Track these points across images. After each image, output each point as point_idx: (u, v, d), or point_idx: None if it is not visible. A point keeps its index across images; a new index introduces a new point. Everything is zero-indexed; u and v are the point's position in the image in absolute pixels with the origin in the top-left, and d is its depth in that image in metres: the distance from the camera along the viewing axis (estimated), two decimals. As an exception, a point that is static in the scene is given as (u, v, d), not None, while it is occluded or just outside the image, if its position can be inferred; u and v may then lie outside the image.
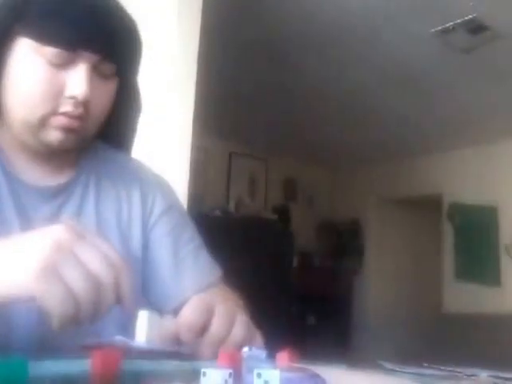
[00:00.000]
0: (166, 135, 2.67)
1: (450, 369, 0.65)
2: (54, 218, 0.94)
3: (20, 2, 0.86)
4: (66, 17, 0.86)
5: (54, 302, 0.58)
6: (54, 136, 0.89)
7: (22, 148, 0.95)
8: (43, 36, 0.85)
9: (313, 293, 6.19)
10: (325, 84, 4.75)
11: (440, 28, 3.73)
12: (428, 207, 6.38)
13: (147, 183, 1.09)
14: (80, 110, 0.88)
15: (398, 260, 6.66)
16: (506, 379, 0.57)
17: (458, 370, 0.64)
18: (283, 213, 6.32)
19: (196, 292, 0.99)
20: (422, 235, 6.68)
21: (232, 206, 5.98)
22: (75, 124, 0.89)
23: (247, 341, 0.76)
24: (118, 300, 0.63)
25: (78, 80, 0.86)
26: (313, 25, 3.84)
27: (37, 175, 0.96)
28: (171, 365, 0.62)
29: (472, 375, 0.60)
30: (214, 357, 0.72)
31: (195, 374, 0.48)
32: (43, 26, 0.85)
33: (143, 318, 2.11)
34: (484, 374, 0.61)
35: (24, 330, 0.81)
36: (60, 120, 0.88)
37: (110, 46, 0.90)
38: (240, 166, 6.43)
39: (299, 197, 6.95)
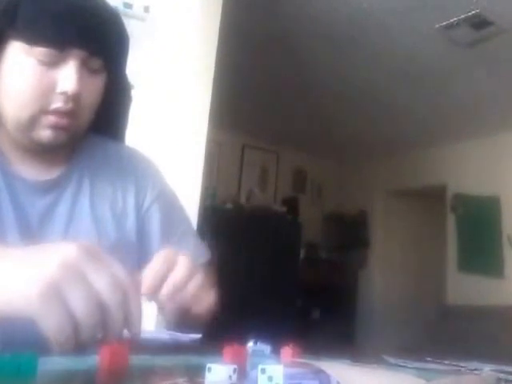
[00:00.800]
0: (182, 128, 2.71)
1: (454, 363, 0.65)
2: (49, 211, 0.97)
3: (10, 8, 0.88)
4: (53, 17, 0.88)
5: (53, 325, 0.55)
6: (44, 134, 0.91)
7: (16, 145, 0.97)
8: (32, 37, 0.88)
9: (318, 285, 6.18)
10: (334, 79, 4.81)
11: (444, 24, 3.75)
12: (433, 199, 6.37)
13: (140, 172, 1.11)
14: (70, 106, 0.90)
15: (403, 252, 6.63)
16: (510, 373, 0.57)
17: (462, 364, 0.64)
18: (292, 204, 6.33)
19: None
20: (426, 227, 6.65)
21: (243, 198, 5.99)
22: (65, 122, 0.91)
23: (199, 295, 0.77)
24: (126, 323, 0.61)
25: (68, 76, 0.89)
26: (324, 22, 3.90)
27: (32, 171, 0.98)
28: (177, 360, 0.62)
29: (475, 369, 0.60)
30: (171, 307, 0.73)
31: (201, 369, 0.48)
32: (31, 27, 0.88)
33: (152, 307, 2.12)
34: (487, 368, 0.61)
35: (31, 326, 0.81)
36: (50, 119, 0.90)
37: (97, 41, 0.92)
38: (252, 158, 6.45)
39: (308, 188, 6.96)
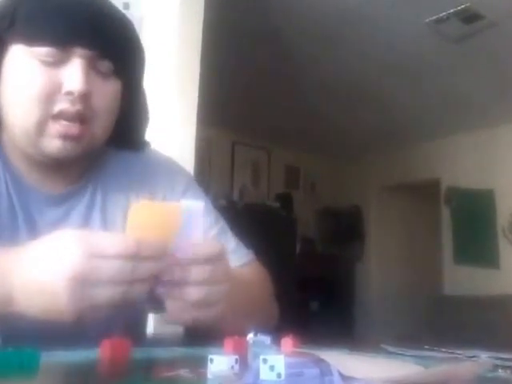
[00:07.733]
0: (171, 125, 2.67)
1: (451, 351, 0.66)
2: (60, 223, 0.91)
3: (9, 11, 0.84)
4: (52, 15, 0.84)
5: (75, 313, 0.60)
6: (53, 145, 0.84)
7: (27, 160, 0.91)
8: (31, 37, 0.83)
9: (316, 278, 6.22)
10: (326, 73, 4.76)
11: (434, 18, 3.72)
12: (427, 192, 6.38)
13: (157, 179, 1.03)
14: (78, 107, 0.83)
15: (399, 245, 6.68)
16: (506, 360, 0.58)
17: (459, 351, 0.65)
18: (286, 200, 6.34)
19: None
20: (421, 220, 6.70)
21: (236, 195, 5.99)
22: (75, 130, 0.84)
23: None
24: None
25: (72, 75, 0.82)
26: (314, 17, 3.84)
27: (44, 182, 0.92)
28: (179, 352, 0.62)
29: (472, 356, 0.61)
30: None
31: (202, 361, 0.49)
32: (31, 28, 0.83)
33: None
34: (484, 356, 0.62)
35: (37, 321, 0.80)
36: (57, 127, 0.83)
37: (103, 42, 0.86)
38: (243, 154, 6.44)
39: (301, 184, 6.98)
